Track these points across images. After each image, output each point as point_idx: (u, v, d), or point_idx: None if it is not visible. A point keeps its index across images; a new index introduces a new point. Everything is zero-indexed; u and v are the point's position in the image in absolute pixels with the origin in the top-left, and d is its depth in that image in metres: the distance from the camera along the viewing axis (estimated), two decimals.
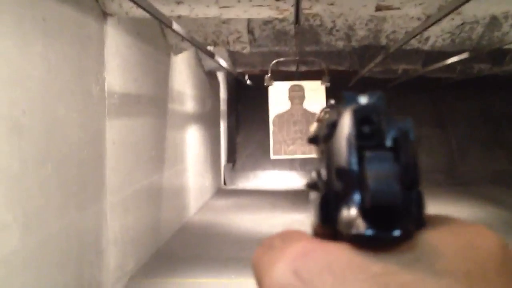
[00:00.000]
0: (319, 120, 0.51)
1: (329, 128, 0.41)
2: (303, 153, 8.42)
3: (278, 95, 8.22)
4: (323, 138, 0.41)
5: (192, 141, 7.98)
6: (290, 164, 11.25)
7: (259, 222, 7.49)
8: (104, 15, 4.12)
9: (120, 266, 4.69)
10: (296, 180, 11.42)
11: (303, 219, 7.58)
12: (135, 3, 3.11)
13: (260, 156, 11.16)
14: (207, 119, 9.19)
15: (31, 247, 3.07)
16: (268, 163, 10.98)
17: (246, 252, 5.93)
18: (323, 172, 0.41)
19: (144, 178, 5.42)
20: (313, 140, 0.45)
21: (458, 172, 11.22)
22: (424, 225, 0.37)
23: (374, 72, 8.31)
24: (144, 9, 3.25)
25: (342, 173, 0.37)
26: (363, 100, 0.41)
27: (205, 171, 9.19)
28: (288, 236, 0.41)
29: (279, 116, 8.30)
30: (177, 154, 6.96)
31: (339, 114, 0.40)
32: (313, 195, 0.44)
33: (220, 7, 3.93)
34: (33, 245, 3.10)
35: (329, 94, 8.06)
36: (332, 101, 0.53)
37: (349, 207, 0.36)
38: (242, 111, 11.91)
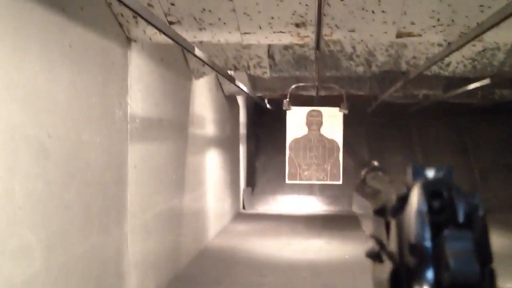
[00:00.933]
0: (363, 180, 0.51)
1: (399, 202, 0.41)
2: (318, 179, 8.40)
3: (296, 120, 8.24)
4: (392, 211, 0.42)
5: (212, 165, 8.01)
6: (309, 189, 11.21)
7: (279, 247, 7.45)
8: (128, 40, 4.21)
9: None
10: (314, 205, 11.36)
11: (323, 245, 7.52)
12: (158, 29, 3.18)
13: (279, 180, 11.13)
14: (227, 143, 9.23)
15: (53, 269, 3.10)
16: (287, 188, 10.96)
17: (266, 278, 5.89)
18: (391, 244, 0.42)
19: (165, 202, 5.45)
20: (380, 211, 0.45)
21: (491, 199, 11.06)
22: None
23: (394, 97, 8.30)
24: (167, 35, 3.32)
25: (415, 248, 0.38)
26: (431, 173, 0.41)
27: (225, 195, 9.20)
28: None
29: (296, 141, 8.31)
30: (197, 178, 7.00)
31: (409, 189, 0.41)
32: (376, 265, 0.44)
33: (242, 33, 3.99)
34: (55, 267, 3.13)
35: (347, 118, 8.06)
36: (376, 163, 0.54)
37: (421, 284, 0.36)
38: (262, 135, 11.95)
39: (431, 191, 0.39)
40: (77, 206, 3.42)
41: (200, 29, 3.90)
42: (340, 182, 8.38)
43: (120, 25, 4.02)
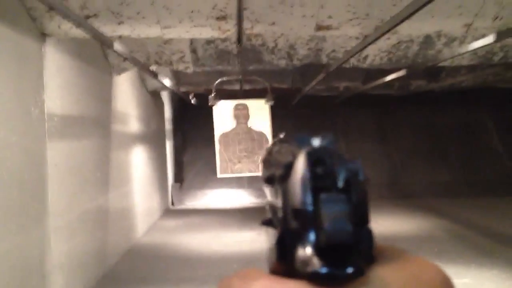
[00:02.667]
0: (269, 153, 0.53)
1: (285, 169, 0.43)
2: (250, 171, 8.49)
3: (223, 114, 8.27)
4: (279, 178, 0.44)
5: (138, 161, 7.90)
6: (238, 182, 11.28)
7: (209, 242, 7.46)
8: (43, 35, 4.06)
9: None
10: (244, 198, 11.45)
11: (252, 237, 7.60)
12: (74, 23, 3.10)
13: (208, 175, 11.15)
14: (153, 139, 9.12)
15: None
16: (215, 182, 10.98)
17: (197, 272, 5.89)
18: (279, 211, 0.44)
19: (90, 200, 5.33)
20: (269, 180, 0.48)
21: (401, 185, 11.55)
22: (374, 260, 0.40)
23: (317, 89, 8.50)
24: (83, 29, 3.24)
25: (298, 213, 0.40)
26: (316, 142, 0.43)
27: (153, 192, 9.09)
28: (246, 276, 0.43)
29: (225, 135, 8.34)
30: (123, 175, 6.87)
31: (294, 156, 0.43)
32: (269, 232, 0.47)
33: (162, 28, 3.95)
34: None
35: (274, 111, 8.18)
36: (282, 135, 0.57)
37: (304, 246, 0.38)
38: (188, 130, 11.88)
39: (314, 158, 0.40)
40: None
41: (119, 23, 3.83)
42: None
43: (34, 19, 3.87)
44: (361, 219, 0.39)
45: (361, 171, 0.41)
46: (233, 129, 8.37)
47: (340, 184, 0.40)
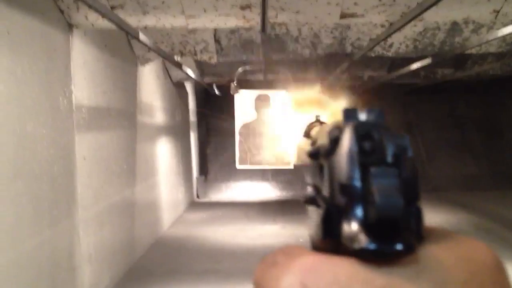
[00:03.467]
0: (306, 135, 0.52)
1: (331, 144, 0.42)
2: (269, 163, 8.44)
3: (245, 104, 8.23)
4: (324, 153, 0.43)
5: (163, 153, 7.93)
6: (262, 175, 11.28)
7: (234, 234, 7.47)
8: (70, 27, 4.09)
9: (95, 284, 4.62)
10: (268, 191, 11.44)
11: (277, 231, 7.60)
12: (100, 14, 3.11)
13: (231, 167, 11.16)
14: (178, 131, 9.15)
15: (3, 264, 3.01)
16: (240, 175, 10.99)
17: (222, 265, 5.91)
18: (324, 187, 0.43)
19: (117, 193, 5.37)
20: (313, 155, 0.46)
21: (427, 178, 11.41)
22: (423, 238, 0.39)
23: (340, 79, 8.43)
24: (109, 20, 3.25)
25: (345, 188, 0.39)
26: (363, 116, 0.42)
27: (178, 184, 9.14)
28: (291, 252, 0.42)
29: (245, 126, 8.30)
30: (149, 167, 6.92)
31: (341, 131, 0.42)
32: (312, 210, 0.46)
33: (186, 17, 3.95)
34: (4, 265, 3.04)
35: (297, 102, 8.13)
36: (318, 116, 0.55)
37: (351, 222, 0.37)
38: (212, 122, 11.90)
39: (361, 133, 0.39)
40: (24, 200, 3.32)
41: (144, 13, 3.84)
42: (291, 166, 8.45)
43: (61, 10, 3.90)
44: (411, 196, 0.38)
45: (410, 147, 0.40)
46: (254, 120, 8.32)
47: (389, 159, 0.39)
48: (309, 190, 0.49)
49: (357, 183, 0.38)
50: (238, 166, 8.49)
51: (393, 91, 10.99)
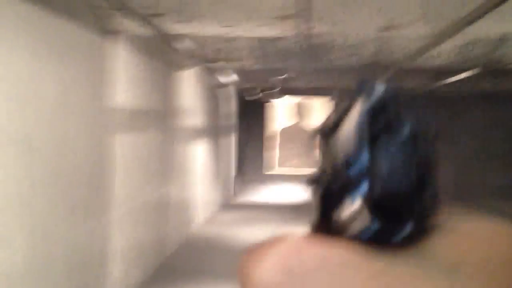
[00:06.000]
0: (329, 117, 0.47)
1: (339, 116, 0.38)
2: (306, 167, 8.43)
3: (285, 110, 8.26)
4: (332, 126, 0.39)
5: (201, 154, 8.02)
6: (296, 178, 11.26)
7: (266, 236, 7.49)
8: (112, 32, 4.19)
9: (126, 279, 4.73)
10: (302, 194, 11.42)
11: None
12: (141, 21, 3.18)
13: (268, 169, 11.18)
14: (215, 133, 9.23)
15: (38, 259, 3.12)
16: (275, 177, 11.00)
17: None
18: (328, 165, 0.39)
19: (152, 191, 5.48)
20: (321, 132, 0.42)
21: (467, 186, 11.18)
22: (439, 222, 0.35)
23: None
24: (149, 27, 3.32)
25: (350, 161, 0.35)
26: (380, 88, 0.38)
27: (214, 184, 9.22)
28: (278, 238, 0.39)
29: (284, 131, 8.33)
30: (185, 167, 7.01)
31: (353, 101, 0.38)
32: (315, 192, 0.42)
33: (225, 26, 3.99)
34: (40, 257, 3.15)
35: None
36: (339, 93, 0.51)
37: (354, 199, 0.34)
38: (251, 125, 11.96)
39: (375, 104, 0.36)
40: (63, 197, 3.45)
41: (183, 22, 3.90)
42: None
43: (103, 17, 4.00)
44: (425, 175, 0.34)
45: (430, 125, 0.37)
46: (293, 125, 8.34)
47: (405, 133, 0.34)
48: (315, 170, 0.44)
49: (365, 155, 0.34)
50: (275, 170, 8.52)
51: (436, 101, 10.79)
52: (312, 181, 0.43)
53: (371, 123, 0.35)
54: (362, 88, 0.37)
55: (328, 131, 0.39)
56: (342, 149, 0.36)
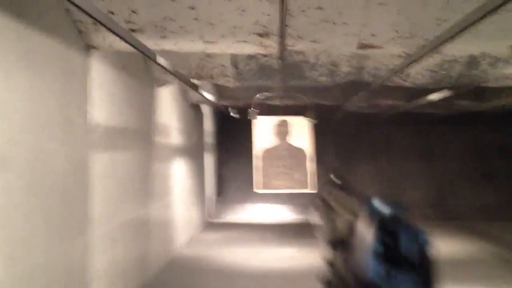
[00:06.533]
0: (323, 200, 0.54)
1: (353, 236, 0.44)
2: (287, 188, 8.45)
3: (263, 129, 8.30)
4: (345, 244, 0.45)
5: (179, 173, 8.00)
6: (278, 197, 11.27)
7: (248, 257, 7.46)
8: (89, 48, 4.19)
9: None
10: (284, 214, 11.41)
11: (292, 254, 7.56)
12: (119, 37, 3.19)
13: (248, 189, 11.17)
14: (193, 152, 9.22)
15: (15, 278, 3.06)
16: (255, 196, 10.99)
17: (236, 287, 5.89)
18: (342, 276, 0.44)
19: (131, 211, 5.42)
20: (333, 244, 0.49)
21: (447, 206, 11.29)
22: None
23: (359, 107, 8.43)
24: (128, 43, 3.33)
25: (363, 282, 0.41)
26: (385, 209, 0.45)
27: (192, 204, 9.18)
28: None
29: (265, 151, 8.36)
30: (164, 186, 6.97)
31: (364, 225, 0.44)
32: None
33: (204, 42, 4.02)
34: (18, 277, 3.09)
35: (315, 128, 8.14)
36: (333, 176, 0.58)
37: None
38: (228, 144, 11.98)
39: (386, 230, 0.41)
40: (38, 215, 3.39)
41: (162, 37, 3.92)
42: (309, 190, 8.45)
43: (80, 32, 4.00)
44: None
45: (429, 243, 0.41)
46: (274, 145, 8.37)
47: (412, 259, 0.40)
48: (327, 272, 0.49)
49: (377, 281, 0.39)
50: (257, 190, 8.52)
51: (411, 120, 10.95)
52: (326, 283, 0.49)
53: (382, 246, 0.40)
54: (370, 206, 0.43)
55: (344, 245, 0.46)
56: (359, 267, 0.42)
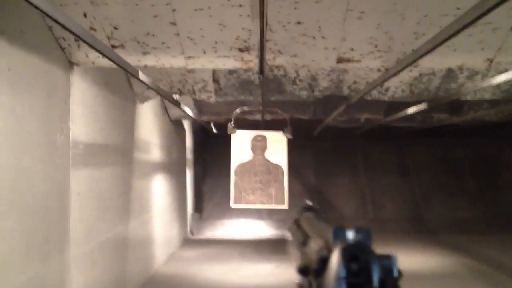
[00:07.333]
0: (297, 224, 0.53)
1: (320, 264, 0.44)
2: (263, 203, 8.44)
3: (241, 144, 8.28)
4: (314, 272, 0.45)
5: (159, 190, 7.93)
6: (257, 213, 11.24)
7: (228, 273, 7.41)
8: (71, 64, 4.16)
9: None
10: (262, 229, 11.38)
11: (270, 270, 7.53)
12: (101, 53, 3.18)
13: (227, 205, 11.12)
14: (174, 168, 9.17)
15: None
16: (234, 213, 10.95)
17: None
18: None
19: (110, 229, 5.34)
20: (303, 271, 0.48)
21: (423, 220, 11.39)
22: None
23: (338, 121, 8.50)
24: (110, 59, 3.32)
25: None
26: (351, 235, 0.45)
27: (172, 221, 9.10)
28: None
29: (241, 166, 8.34)
30: (144, 203, 6.90)
31: (329, 250, 0.44)
32: None
33: (186, 58, 4.03)
34: None
35: (293, 143, 8.17)
36: (309, 202, 0.57)
37: None
38: (208, 160, 11.94)
39: (349, 254, 0.42)
40: (17, 235, 3.31)
41: (144, 53, 3.91)
42: (286, 206, 8.44)
43: (62, 48, 3.97)
44: None
45: (396, 267, 0.42)
46: (250, 160, 8.36)
47: (375, 283, 0.40)
48: None
49: None
50: (233, 205, 8.48)
51: (389, 134, 11.08)
52: None
53: (347, 273, 0.41)
54: (336, 234, 0.44)
55: (312, 272, 0.46)
56: None
